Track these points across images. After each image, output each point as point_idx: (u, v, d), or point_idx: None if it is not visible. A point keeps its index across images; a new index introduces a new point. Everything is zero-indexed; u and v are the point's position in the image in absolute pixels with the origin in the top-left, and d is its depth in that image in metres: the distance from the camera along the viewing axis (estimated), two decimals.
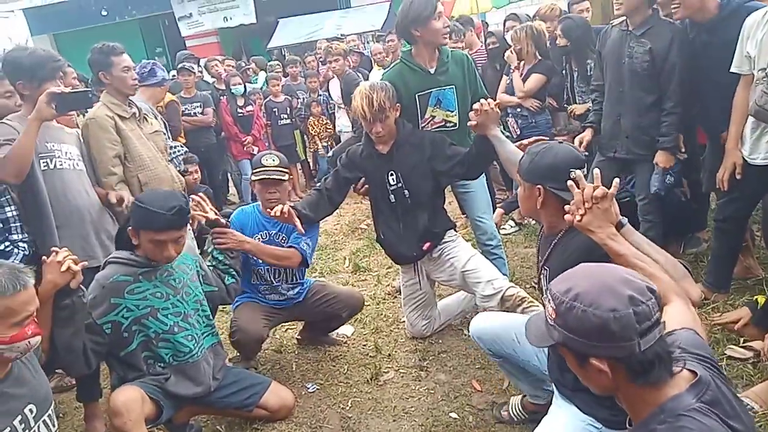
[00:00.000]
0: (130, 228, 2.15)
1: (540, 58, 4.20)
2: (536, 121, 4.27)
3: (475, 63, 3.10)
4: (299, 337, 3.18)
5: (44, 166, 2.46)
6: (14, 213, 2.42)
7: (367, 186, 2.89)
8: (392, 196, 2.80)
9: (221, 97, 6.13)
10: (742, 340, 2.57)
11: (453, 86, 2.89)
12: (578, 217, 1.52)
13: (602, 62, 3.21)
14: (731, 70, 2.54)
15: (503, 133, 2.52)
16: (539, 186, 1.79)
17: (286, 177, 2.77)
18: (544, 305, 1.38)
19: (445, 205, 2.97)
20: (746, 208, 2.84)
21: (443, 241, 2.87)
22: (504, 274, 2.96)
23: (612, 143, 3.15)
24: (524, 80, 4.21)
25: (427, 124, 2.93)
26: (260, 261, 2.75)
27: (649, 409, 1.10)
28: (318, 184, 3.02)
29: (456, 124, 2.94)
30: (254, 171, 2.77)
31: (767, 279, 3.01)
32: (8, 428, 1.51)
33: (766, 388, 2.24)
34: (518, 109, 4.30)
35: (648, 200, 3.09)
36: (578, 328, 1.09)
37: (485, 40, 4.99)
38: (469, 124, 2.48)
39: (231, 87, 6.10)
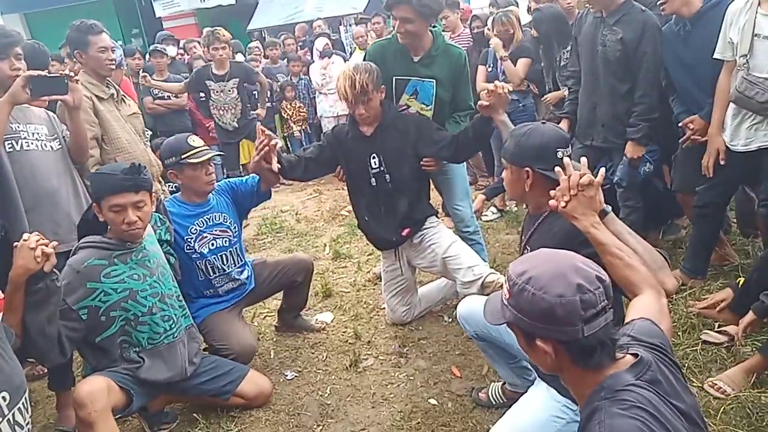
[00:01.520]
0: (93, 204, 2.10)
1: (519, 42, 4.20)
2: (525, 105, 4.27)
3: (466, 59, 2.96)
4: (277, 324, 3.15)
5: (9, 148, 2.36)
6: None
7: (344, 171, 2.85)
8: (373, 179, 2.76)
9: None
10: (716, 325, 2.62)
11: (434, 80, 2.81)
12: (563, 203, 1.52)
13: (578, 48, 3.18)
14: (714, 56, 2.54)
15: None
16: (527, 168, 1.78)
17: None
18: None
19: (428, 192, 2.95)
20: (726, 194, 2.87)
21: (424, 227, 2.84)
22: (483, 260, 2.96)
23: (588, 131, 3.14)
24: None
25: (401, 112, 2.87)
26: (205, 252, 2.62)
27: (589, 389, 1.15)
28: (299, 151, 2.96)
29: (429, 119, 2.87)
30: (186, 153, 2.50)
31: (743, 265, 3.06)
32: None
33: (738, 371, 2.30)
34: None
35: (626, 187, 3.10)
36: (527, 310, 1.14)
37: (470, 24, 4.94)
38: (479, 104, 2.41)
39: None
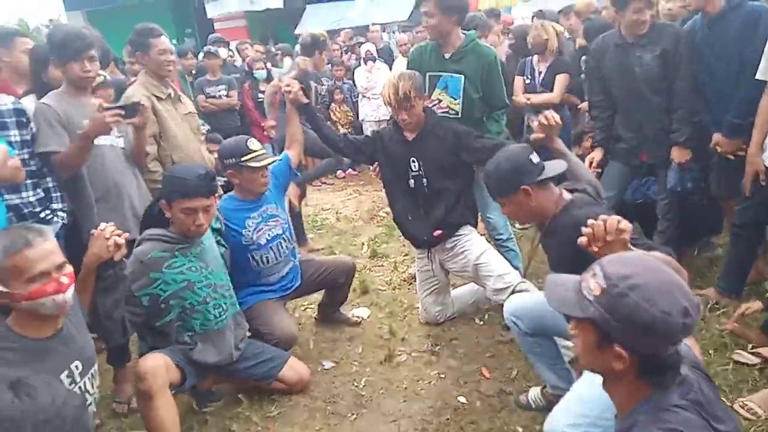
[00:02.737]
0: (162, 200, 2.27)
1: (557, 55, 4.28)
2: (561, 116, 4.32)
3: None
4: (317, 317, 3.31)
5: None
6: (54, 183, 2.56)
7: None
8: (412, 181, 2.90)
9: (245, 82, 6.25)
10: (750, 346, 2.62)
11: (462, 75, 2.97)
12: (595, 248, 1.52)
13: (602, 79, 3.20)
14: (757, 77, 2.57)
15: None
16: (524, 187, 1.93)
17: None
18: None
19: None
20: (765, 214, 2.86)
21: (458, 233, 2.95)
22: (516, 267, 3.05)
23: (637, 152, 3.16)
24: (544, 80, 4.28)
25: (433, 106, 3.03)
26: (263, 243, 2.78)
27: (636, 401, 1.16)
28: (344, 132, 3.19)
29: (458, 113, 3.02)
30: (246, 156, 2.63)
31: None
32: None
33: None
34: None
35: (668, 200, 3.14)
36: (624, 316, 1.10)
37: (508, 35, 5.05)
38: (532, 138, 2.45)
39: (254, 72, 6.21)
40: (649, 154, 3.13)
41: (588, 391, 1.64)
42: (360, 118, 6.77)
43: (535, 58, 4.37)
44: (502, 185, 1.99)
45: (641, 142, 3.12)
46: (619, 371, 1.15)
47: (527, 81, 4.43)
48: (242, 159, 2.63)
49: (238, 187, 2.75)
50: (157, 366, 2.13)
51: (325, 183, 7.02)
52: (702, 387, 1.17)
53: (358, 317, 3.28)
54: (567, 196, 2.01)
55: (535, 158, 1.97)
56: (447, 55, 3.00)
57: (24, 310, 1.56)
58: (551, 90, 4.27)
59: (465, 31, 3.04)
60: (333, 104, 6.75)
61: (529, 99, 4.36)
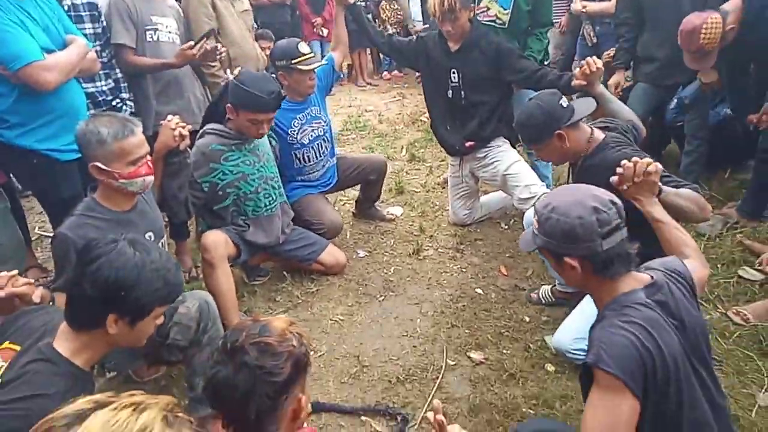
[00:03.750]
0: (229, 105, 2.48)
1: None
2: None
3: None
4: (354, 211, 3.61)
5: (149, 38, 2.80)
6: (122, 75, 2.82)
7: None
8: (450, 91, 3.02)
9: None
10: (757, 263, 2.78)
11: None
12: (625, 187, 1.69)
13: None
14: None
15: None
16: (557, 131, 2.05)
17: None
18: None
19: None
20: None
21: (490, 144, 3.10)
22: (546, 176, 3.22)
23: (672, 71, 3.15)
24: None
25: (481, 13, 3.06)
26: (306, 142, 3.01)
27: (607, 299, 1.35)
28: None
29: (505, 23, 3.06)
30: (297, 59, 2.79)
31: None
32: None
33: (763, 305, 2.49)
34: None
35: (698, 119, 3.16)
36: (553, 234, 1.35)
37: None
38: (574, 83, 2.51)
39: None
40: (683, 73, 3.11)
41: (588, 307, 1.81)
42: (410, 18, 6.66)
43: None
44: (537, 133, 2.12)
45: (675, 61, 3.06)
46: (580, 278, 1.36)
47: None
48: (293, 61, 2.80)
49: (287, 88, 2.93)
50: (219, 241, 2.49)
51: (370, 84, 7.09)
52: (671, 289, 1.36)
53: (392, 214, 3.56)
54: (599, 135, 2.09)
55: (564, 102, 2.07)
56: None
57: (114, 187, 1.86)
58: None
59: None
60: (384, 1, 6.63)
61: (585, 7, 4.24)
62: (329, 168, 3.21)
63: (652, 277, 1.37)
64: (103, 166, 1.79)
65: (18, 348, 1.36)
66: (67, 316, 1.34)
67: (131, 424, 0.72)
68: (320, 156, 3.11)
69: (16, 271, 1.56)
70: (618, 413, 1.21)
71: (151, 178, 1.93)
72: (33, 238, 3.34)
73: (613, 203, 1.35)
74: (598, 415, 1.23)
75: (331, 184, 3.24)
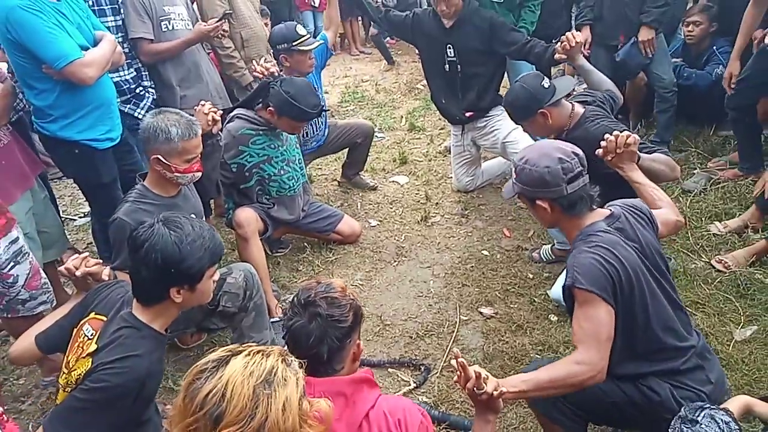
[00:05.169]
0: (271, 108, 2.65)
1: None
2: None
3: None
4: (340, 179, 3.82)
5: (165, 28, 2.92)
6: (142, 64, 2.96)
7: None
8: (447, 65, 3.21)
9: None
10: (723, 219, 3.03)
11: None
12: (609, 157, 1.94)
13: None
14: None
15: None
16: (541, 111, 2.30)
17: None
18: None
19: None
20: (748, 99, 3.13)
21: (489, 114, 3.31)
22: None
23: (615, 32, 3.42)
24: None
25: None
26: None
27: (576, 232, 1.63)
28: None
29: (505, 22, 3.17)
30: (297, 41, 3.00)
31: None
32: None
33: (743, 252, 2.75)
34: None
35: (623, 66, 3.46)
36: (527, 181, 1.63)
37: None
38: (556, 57, 2.73)
39: None
40: (629, 31, 3.37)
41: None
42: None
43: None
44: (523, 112, 2.38)
45: (623, 19, 3.35)
46: (551, 217, 1.64)
47: None
48: (294, 44, 2.98)
49: (287, 69, 3.10)
50: (251, 217, 2.72)
51: (363, 52, 7.17)
52: (628, 219, 1.62)
53: (395, 183, 3.78)
54: (579, 109, 2.35)
55: (546, 83, 2.32)
56: None
57: (167, 177, 2.07)
58: None
59: None
60: None
61: None
62: (320, 140, 3.47)
63: (611, 210, 1.66)
64: (163, 159, 1.99)
65: (103, 318, 1.59)
66: (136, 295, 1.54)
67: (264, 364, 0.97)
68: (316, 131, 3.36)
69: (87, 254, 1.77)
70: (598, 319, 1.48)
71: (199, 174, 2.13)
72: None
73: (575, 154, 1.62)
74: (583, 326, 1.51)
75: (318, 146, 3.49)
